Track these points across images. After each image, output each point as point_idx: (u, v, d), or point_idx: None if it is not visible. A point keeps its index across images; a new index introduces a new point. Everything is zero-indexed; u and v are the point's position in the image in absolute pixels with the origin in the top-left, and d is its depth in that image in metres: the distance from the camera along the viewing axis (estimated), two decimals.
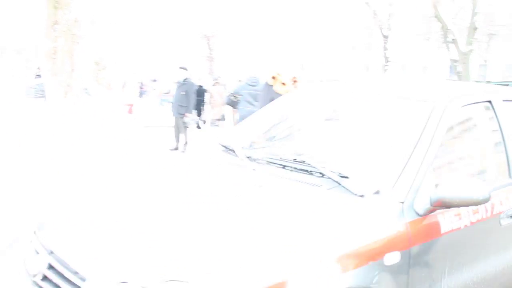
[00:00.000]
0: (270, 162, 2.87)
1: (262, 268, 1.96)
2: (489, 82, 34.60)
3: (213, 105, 16.01)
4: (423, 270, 2.41)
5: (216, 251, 2.04)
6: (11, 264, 2.56)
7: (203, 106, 16.04)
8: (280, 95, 5.33)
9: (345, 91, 3.62)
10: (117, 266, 2.05)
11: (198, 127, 15.55)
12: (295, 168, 2.73)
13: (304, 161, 2.71)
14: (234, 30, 39.82)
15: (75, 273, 2.11)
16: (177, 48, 42.39)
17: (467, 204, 2.43)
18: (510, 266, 2.95)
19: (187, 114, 10.80)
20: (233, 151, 3.08)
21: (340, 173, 2.51)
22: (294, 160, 2.77)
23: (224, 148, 3.25)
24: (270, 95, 5.51)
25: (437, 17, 20.23)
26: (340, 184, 2.47)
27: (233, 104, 9.97)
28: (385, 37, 29.22)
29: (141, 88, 24.77)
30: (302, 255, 2.04)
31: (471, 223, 2.63)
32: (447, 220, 2.50)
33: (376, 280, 2.17)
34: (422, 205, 2.40)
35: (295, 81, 5.71)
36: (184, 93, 10.78)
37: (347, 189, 2.43)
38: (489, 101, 3.10)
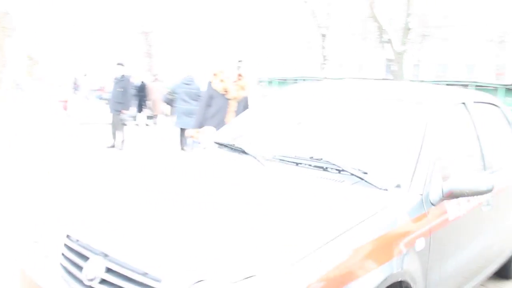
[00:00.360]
0: (284, 161, 3.04)
1: (321, 255, 2.09)
2: (422, 81, 35.82)
3: (152, 102, 15.82)
4: (438, 253, 2.72)
5: (277, 244, 2.14)
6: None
7: (145, 103, 15.79)
8: (218, 92, 5.65)
9: (339, 92, 3.89)
10: (190, 265, 2.07)
11: (137, 124, 15.29)
12: (311, 165, 2.93)
13: (321, 159, 2.90)
14: (172, 26, 39.36)
15: (145, 274, 2.11)
16: (114, 43, 41.52)
17: (474, 194, 2.78)
18: (489, 243, 3.54)
19: (124, 111, 10.60)
20: (243, 151, 3.23)
21: (360, 169, 2.73)
22: (311, 158, 2.95)
23: (228, 147, 3.41)
24: (209, 92, 5.73)
25: (373, 18, 20.72)
26: (363, 179, 2.69)
27: (170, 102, 10.08)
28: (323, 36, 29.61)
29: (75, 83, 24.11)
30: (349, 242, 2.21)
31: (467, 211, 3.05)
32: (452, 209, 2.87)
33: (408, 266, 2.41)
34: (436, 196, 2.73)
35: (240, 79, 5.76)
36: (122, 89, 10.59)
37: (371, 184, 2.66)
38: (463, 103, 3.54)
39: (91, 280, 2.26)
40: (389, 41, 20.42)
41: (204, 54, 36.21)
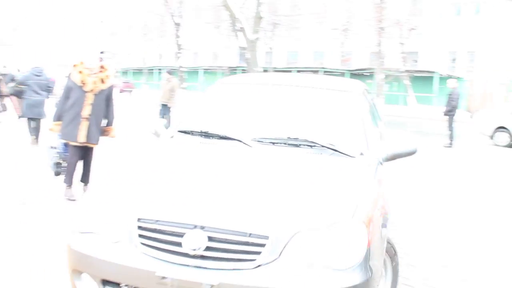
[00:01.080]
0: (261, 141, 3.60)
1: (361, 205, 2.79)
2: (275, 68, 37.08)
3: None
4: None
5: (327, 200, 2.80)
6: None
7: None
8: (76, 84, 5.57)
9: (278, 81, 4.56)
10: (282, 221, 2.57)
11: None
12: (285, 143, 3.57)
13: (297, 138, 3.59)
14: (20, 17, 36.80)
15: (250, 234, 2.51)
16: None
17: (407, 155, 3.78)
18: None
19: None
20: (226, 138, 3.67)
21: (331, 144, 3.52)
22: (289, 138, 3.61)
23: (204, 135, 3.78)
24: (68, 83, 5.66)
25: (226, 6, 20.96)
26: (337, 151, 3.48)
27: (18, 94, 9.61)
28: (177, 24, 29.45)
29: None
30: (366, 192, 2.98)
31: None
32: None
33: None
34: (384, 158, 3.70)
35: (101, 71, 5.65)
36: None
37: (343, 153, 3.46)
38: (365, 89, 4.77)
39: (196, 250, 2.57)
40: (241, 30, 20.82)
41: (60, 45, 34.32)
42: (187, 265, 2.62)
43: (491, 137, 16.58)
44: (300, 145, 3.57)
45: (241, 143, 3.58)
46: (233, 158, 3.49)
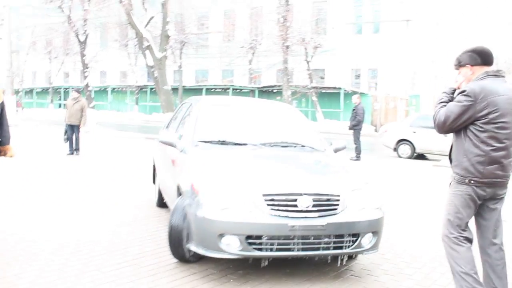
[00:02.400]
0: (264, 145, 5.55)
1: (354, 179, 5.04)
2: (184, 87, 36.90)
3: None
4: None
5: (338, 176, 5.06)
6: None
7: None
8: None
9: (250, 105, 7.10)
10: (342, 186, 4.73)
11: None
12: (277, 145, 5.63)
13: (287, 141, 5.75)
14: None
15: (332, 195, 4.59)
16: None
17: (341, 150, 6.15)
18: None
19: None
20: (235, 143, 5.48)
21: (309, 144, 5.83)
22: (282, 142, 5.71)
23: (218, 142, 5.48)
24: None
25: (131, 24, 20.66)
26: (313, 148, 5.74)
27: None
28: (82, 42, 28.62)
29: None
30: (348, 169, 5.29)
31: None
32: None
33: None
34: (334, 150, 5.98)
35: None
36: None
37: (317, 149, 5.72)
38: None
39: (307, 207, 4.43)
40: (149, 48, 20.55)
41: None
42: (305, 217, 4.44)
43: (395, 149, 17.31)
44: (288, 145, 5.69)
45: (252, 145, 5.45)
46: (262, 154, 5.33)
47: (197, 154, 5.19)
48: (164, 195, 6.62)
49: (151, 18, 21.96)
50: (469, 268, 3.84)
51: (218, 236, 4.32)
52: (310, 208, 4.45)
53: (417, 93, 35.13)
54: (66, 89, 45.39)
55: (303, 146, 5.70)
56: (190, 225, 4.55)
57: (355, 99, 15.40)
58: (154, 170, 7.92)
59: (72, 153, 13.56)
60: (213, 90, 36.69)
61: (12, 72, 27.36)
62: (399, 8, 33.98)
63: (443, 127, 3.90)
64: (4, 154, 5.40)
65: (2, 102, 5.40)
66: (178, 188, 5.05)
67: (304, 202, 4.43)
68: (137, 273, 4.55)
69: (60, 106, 43.78)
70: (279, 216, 4.37)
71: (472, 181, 3.85)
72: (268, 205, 4.38)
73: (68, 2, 26.81)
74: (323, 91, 32.39)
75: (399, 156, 16.95)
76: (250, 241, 4.33)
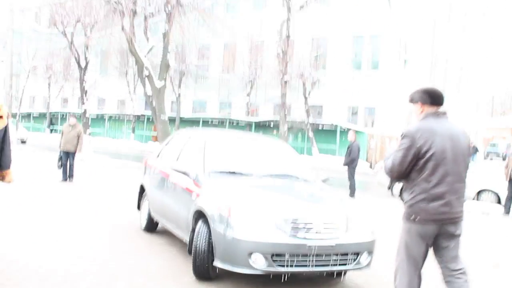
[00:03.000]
0: (266, 176, 6.48)
1: (343, 201, 6.26)
2: (182, 117, 36.98)
3: None
4: None
5: (318, 196, 6.25)
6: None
7: None
8: None
9: (248, 140, 8.05)
10: (342, 213, 5.66)
11: None
12: (278, 176, 6.54)
13: (284, 173, 6.71)
14: None
15: (334, 222, 5.55)
16: None
17: (326, 181, 7.17)
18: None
19: None
20: (242, 173, 6.38)
21: (301, 176, 6.79)
22: (283, 173, 6.72)
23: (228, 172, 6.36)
24: None
25: (132, 52, 20.82)
26: (306, 180, 6.70)
27: None
28: (83, 69, 28.75)
29: None
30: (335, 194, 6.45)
31: None
32: None
33: None
34: (319, 179, 7.05)
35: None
36: None
37: (308, 180, 6.70)
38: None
39: (318, 230, 5.31)
40: (148, 77, 20.68)
41: None
42: (319, 238, 5.32)
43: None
44: (286, 177, 6.63)
45: (257, 176, 6.40)
46: (268, 183, 6.32)
47: (216, 182, 6.01)
48: (162, 219, 7.12)
49: (152, 47, 22.13)
50: None
51: (248, 254, 5.08)
52: (323, 230, 5.37)
53: None
54: (63, 115, 45.45)
55: (297, 177, 6.74)
56: (217, 245, 5.27)
57: (350, 136, 15.39)
58: (141, 196, 8.05)
59: (66, 180, 13.49)
60: (210, 122, 36.77)
61: (11, 95, 27.42)
62: (397, 48, 34.40)
63: (393, 172, 4.21)
64: (2, 179, 5.31)
65: (6, 126, 5.36)
66: (198, 212, 5.74)
67: (318, 225, 5.37)
68: None
69: (56, 131, 43.76)
70: (298, 237, 5.24)
71: (418, 219, 4.07)
72: (289, 227, 5.26)
73: (71, 27, 27.03)
74: (320, 127, 32.53)
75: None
76: (274, 258, 5.13)
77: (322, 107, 36.77)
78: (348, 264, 5.46)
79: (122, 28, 21.02)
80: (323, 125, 32.82)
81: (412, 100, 4.39)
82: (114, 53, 38.93)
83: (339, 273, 5.88)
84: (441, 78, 40.25)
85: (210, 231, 5.36)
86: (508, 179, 14.13)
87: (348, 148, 15.07)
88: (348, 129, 23.31)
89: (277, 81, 25.74)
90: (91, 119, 35.17)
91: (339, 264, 5.42)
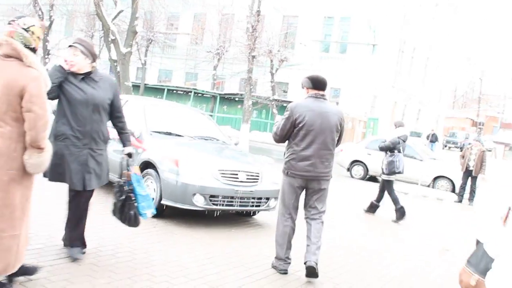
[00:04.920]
0: (194, 138, 7.98)
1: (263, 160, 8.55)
2: (147, 84, 36.50)
3: None
4: None
5: (238, 158, 7.92)
6: None
7: None
8: None
9: (179, 108, 9.70)
10: (259, 167, 7.64)
11: None
12: (203, 138, 8.20)
13: (208, 136, 8.40)
14: None
15: (257, 173, 7.41)
16: None
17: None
18: None
19: None
20: (176, 134, 7.81)
21: (223, 139, 8.63)
22: (208, 136, 8.37)
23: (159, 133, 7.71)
24: None
25: (98, 16, 20.30)
26: (225, 143, 8.48)
27: None
28: (46, 28, 27.94)
29: None
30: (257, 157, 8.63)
31: None
32: None
33: None
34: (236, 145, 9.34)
35: None
36: None
37: (228, 144, 8.53)
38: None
39: (242, 180, 7.06)
40: (114, 42, 20.24)
41: None
42: (242, 185, 7.03)
43: (348, 169, 17.52)
44: (210, 139, 8.28)
45: (188, 137, 7.90)
46: (200, 143, 7.85)
47: (157, 140, 7.48)
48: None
49: (119, 12, 21.61)
50: (281, 240, 5.42)
51: (192, 195, 6.67)
52: (245, 180, 7.12)
53: (376, 116, 35.73)
54: None
55: (218, 140, 8.49)
56: (164, 188, 6.78)
57: None
58: None
59: None
60: (174, 91, 36.41)
61: None
62: (367, 32, 34.57)
63: (275, 137, 5.44)
64: None
65: None
66: (144, 163, 7.15)
67: (242, 176, 7.11)
68: None
69: None
70: (228, 184, 6.95)
71: (289, 173, 5.36)
72: (221, 176, 6.93)
73: None
74: (285, 104, 32.61)
75: (352, 177, 17.17)
76: (211, 199, 6.79)
77: (288, 84, 36.82)
78: (261, 206, 7.39)
79: None
80: (288, 102, 32.90)
81: (302, 85, 5.52)
82: (80, 15, 37.96)
83: (254, 213, 7.91)
84: (407, 65, 40.73)
85: (159, 177, 6.88)
86: (463, 169, 14.49)
87: None
88: None
89: (245, 56, 25.56)
90: None
91: (255, 206, 7.31)
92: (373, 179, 17.41)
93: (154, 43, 37.34)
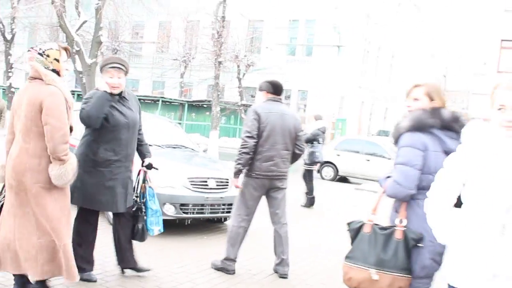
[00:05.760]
0: (162, 146, 7.84)
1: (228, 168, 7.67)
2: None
3: None
4: None
5: (205, 164, 8.05)
6: None
7: None
8: None
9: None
10: (228, 173, 7.24)
11: None
12: (173, 147, 8.22)
13: (177, 144, 8.35)
14: None
15: (226, 179, 7.47)
16: None
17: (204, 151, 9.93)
18: None
19: None
20: (150, 145, 6.02)
21: (192, 147, 8.68)
22: (176, 144, 8.37)
23: None
24: None
25: (62, 27, 20.10)
26: (194, 150, 8.58)
27: None
28: (8, 41, 27.51)
29: None
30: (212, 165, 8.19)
31: None
32: None
33: None
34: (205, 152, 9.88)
35: None
36: None
37: (197, 151, 8.66)
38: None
39: (212, 187, 7.18)
40: (79, 53, 20.05)
41: None
42: (212, 192, 7.15)
43: (318, 171, 17.67)
44: (178, 147, 8.29)
45: (156, 146, 7.51)
46: (168, 152, 7.78)
47: None
48: None
49: (83, 22, 21.43)
50: (235, 241, 5.56)
51: (162, 204, 6.46)
52: (215, 187, 7.22)
53: (343, 117, 36.11)
54: None
55: (187, 147, 8.56)
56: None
57: None
58: None
59: None
60: (142, 100, 36.15)
61: None
62: (332, 34, 34.94)
63: (249, 139, 5.44)
64: None
65: None
66: None
67: (212, 183, 7.21)
68: None
69: None
70: (197, 191, 7.06)
71: (254, 174, 5.50)
72: (191, 184, 7.05)
73: None
74: None
75: (322, 178, 17.32)
76: (181, 207, 6.84)
77: (255, 89, 36.82)
78: (232, 212, 6.56)
79: (52, 2, 20.25)
80: None
81: (260, 88, 5.76)
82: (43, 27, 37.46)
83: (225, 219, 7.86)
84: (373, 64, 41.27)
85: None
86: None
87: None
88: None
89: (212, 62, 25.57)
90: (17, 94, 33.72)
91: (226, 212, 7.34)
92: (343, 179, 17.59)
93: (119, 53, 37.06)
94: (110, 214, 7.24)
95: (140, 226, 5.01)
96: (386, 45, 43.17)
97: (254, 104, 5.79)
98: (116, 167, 4.69)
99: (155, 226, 5.09)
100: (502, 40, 28.62)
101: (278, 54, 36.18)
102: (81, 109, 4.58)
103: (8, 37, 27.14)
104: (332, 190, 14.67)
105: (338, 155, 17.24)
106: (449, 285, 2.77)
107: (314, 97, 35.29)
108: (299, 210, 10.29)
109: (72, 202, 4.32)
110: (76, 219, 4.80)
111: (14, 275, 4.08)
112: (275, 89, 5.71)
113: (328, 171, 17.54)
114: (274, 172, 5.52)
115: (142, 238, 5.09)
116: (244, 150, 5.38)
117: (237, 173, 5.52)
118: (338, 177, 17.44)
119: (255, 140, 5.40)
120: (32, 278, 3.96)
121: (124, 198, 4.78)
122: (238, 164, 5.42)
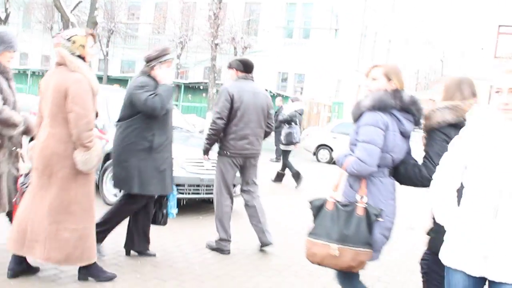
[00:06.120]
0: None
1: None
2: (109, 76, 36.03)
3: None
4: None
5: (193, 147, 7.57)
6: None
7: None
8: None
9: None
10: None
11: None
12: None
13: (176, 126, 7.10)
14: None
15: (201, 160, 6.54)
16: None
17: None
18: None
19: None
20: None
21: (187, 129, 8.82)
22: (178, 126, 7.80)
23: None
24: None
25: (57, 7, 19.95)
26: (189, 131, 8.75)
27: None
28: (2, 21, 27.32)
29: None
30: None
31: None
32: None
33: None
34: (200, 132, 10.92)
35: None
36: None
37: (192, 132, 8.88)
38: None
39: (207, 168, 7.23)
40: None
41: None
42: (208, 174, 7.06)
43: (314, 153, 17.69)
44: (177, 128, 7.33)
45: None
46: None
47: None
48: None
49: (79, 2, 21.32)
50: (225, 221, 5.65)
51: None
52: (210, 168, 7.00)
53: (340, 100, 36.06)
54: None
55: (181, 128, 8.44)
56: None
57: (278, 101, 15.63)
58: None
59: None
60: None
61: None
62: (329, 17, 34.76)
63: (218, 120, 5.51)
64: None
65: None
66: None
67: (207, 164, 7.05)
68: None
69: None
70: (194, 172, 7.19)
71: (229, 153, 5.62)
72: (187, 165, 7.15)
73: None
74: None
75: (318, 161, 17.35)
76: (177, 188, 5.82)
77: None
78: (214, 193, 6.54)
79: None
80: None
81: (230, 66, 5.79)
82: (38, 6, 37.16)
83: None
84: (369, 49, 41.14)
85: None
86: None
87: (276, 113, 15.27)
88: (278, 95, 23.53)
89: (208, 44, 25.47)
90: (13, 74, 33.58)
91: None
92: None
93: (115, 34, 36.80)
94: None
95: (164, 211, 5.16)
96: (383, 31, 43.00)
97: (225, 83, 5.84)
98: (167, 150, 4.96)
99: (174, 209, 5.24)
100: (499, 26, 28.55)
101: (275, 37, 35.99)
102: (145, 99, 4.69)
103: (2, 16, 26.90)
104: (328, 172, 14.69)
105: (335, 138, 17.24)
106: (445, 266, 2.79)
107: (311, 80, 35.18)
108: (271, 188, 10.48)
109: (133, 190, 4.71)
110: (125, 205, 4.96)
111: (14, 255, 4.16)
112: (246, 67, 5.74)
113: (324, 154, 17.57)
114: (249, 150, 5.65)
115: (165, 223, 5.25)
116: (213, 132, 5.56)
117: (205, 151, 5.82)
118: (334, 159, 17.46)
119: (223, 122, 5.48)
120: (35, 260, 4.08)
121: (171, 179, 5.02)
122: (208, 144, 5.72)
